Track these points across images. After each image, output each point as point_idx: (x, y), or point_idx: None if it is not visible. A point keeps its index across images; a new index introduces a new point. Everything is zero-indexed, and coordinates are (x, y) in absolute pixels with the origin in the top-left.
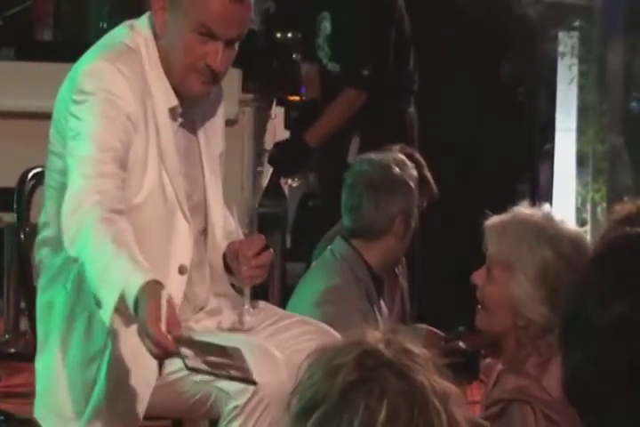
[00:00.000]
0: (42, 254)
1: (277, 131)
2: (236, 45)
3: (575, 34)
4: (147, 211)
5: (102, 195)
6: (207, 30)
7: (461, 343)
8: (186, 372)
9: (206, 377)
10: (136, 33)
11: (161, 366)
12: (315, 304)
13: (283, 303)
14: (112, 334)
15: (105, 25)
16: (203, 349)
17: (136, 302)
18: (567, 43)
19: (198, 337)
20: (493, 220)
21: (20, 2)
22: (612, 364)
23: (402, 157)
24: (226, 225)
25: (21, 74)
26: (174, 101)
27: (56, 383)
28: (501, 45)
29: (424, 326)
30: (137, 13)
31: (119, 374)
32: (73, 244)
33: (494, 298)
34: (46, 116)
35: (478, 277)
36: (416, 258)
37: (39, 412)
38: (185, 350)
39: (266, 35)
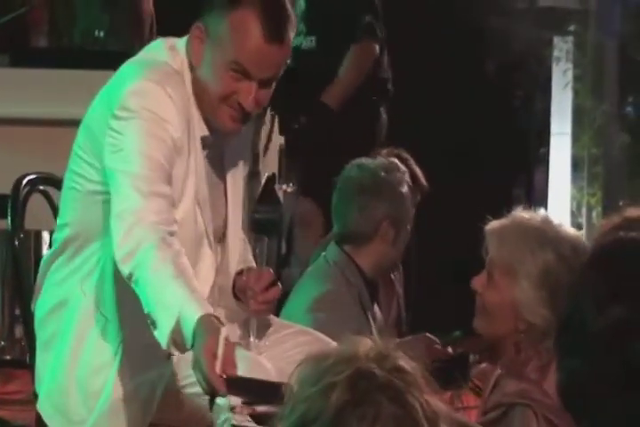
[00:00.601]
0: (55, 253)
1: (272, 136)
2: (272, 85)
3: (570, 38)
4: (179, 237)
5: (159, 215)
6: (241, 69)
7: (449, 349)
8: (183, 383)
9: (198, 389)
10: (176, 55)
11: (212, 402)
12: (307, 311)
13: (277, 309)
14: (123, 345)
15: (101, 33)
16: (253, 389)
17: (193, 334)
18: (562, 47)
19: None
20: (493, 224)
21: (14, 8)
22: (607, 366)
23: (394, 162)
24: (242, 254)
25: (16, 81)
26: (205, 131)
27: (65, 386)
28: (497, 50)
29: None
30: (134, 20)
31: (125, 386)
32: (129, 260)
33: (495, 302)
34: (40, 123)
35: (478, 282)
36: (412, 262)
37: (46, 411)
38: (234, 399)
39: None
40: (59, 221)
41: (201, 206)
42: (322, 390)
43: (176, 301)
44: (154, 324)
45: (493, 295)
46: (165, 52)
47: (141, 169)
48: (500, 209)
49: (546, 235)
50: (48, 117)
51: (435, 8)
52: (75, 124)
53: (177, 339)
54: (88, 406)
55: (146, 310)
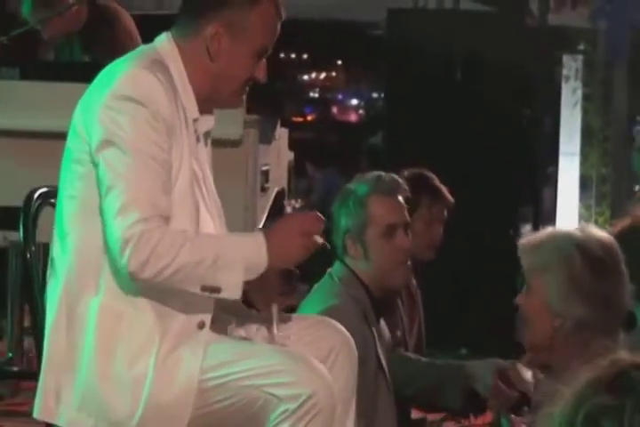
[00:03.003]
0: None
1: (282, 152)
2: None
3: (579, 57)
4: (179, 212)
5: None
6: (266, 50)
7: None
8: (228, 378)
9: (256, 382)
10: (158, 48)
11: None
12: None
13: None
14: (159, 328)
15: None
16: None
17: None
18: (571, 66)
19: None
20: (527, 237)
21: (24, 23)
22: None
23: (392, 176)
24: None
25: (26, 94)
26: (197, 113)
27: (100, 388)
28: (506, 69)
29: (492, 361)
30: (140, 34)
31: (167, 368)
32: (162, 260)
33: (530, 307)
34: (51, 136)
35: (519, 296)
36: (418, 280)
37: (84, 423)
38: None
39: (269, 56)
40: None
41: (197, 179)
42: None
43: (236, 256)
44: (216, 289)
45: (528, 301)
46: (146, 47)
47: (136, 170)
48: (509, 227)
49: (572, 234)
50: (59, 130)
51: (445, 27)
52: None
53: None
54: (131, 398)
55: (198, 286)
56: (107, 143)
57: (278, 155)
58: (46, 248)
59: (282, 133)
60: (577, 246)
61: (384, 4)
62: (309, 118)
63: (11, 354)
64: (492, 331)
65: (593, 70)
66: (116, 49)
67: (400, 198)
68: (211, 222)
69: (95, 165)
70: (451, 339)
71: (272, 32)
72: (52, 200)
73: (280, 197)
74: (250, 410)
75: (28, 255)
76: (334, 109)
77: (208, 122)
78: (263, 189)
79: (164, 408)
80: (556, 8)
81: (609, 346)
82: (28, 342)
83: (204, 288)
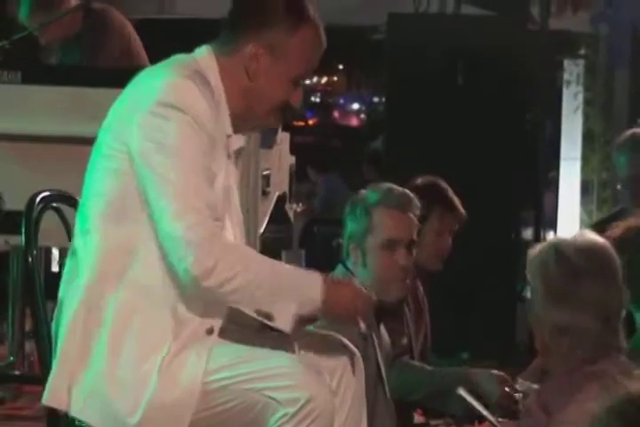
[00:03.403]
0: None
1: (283, 156)
2: None
3: (581, 62)
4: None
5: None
6: (305, 76)
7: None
8: (229, 381)
9: (256, 385)
10: (198, 60)
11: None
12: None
13: None
14: (172, 329)
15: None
16: None
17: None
18: (573, 71)
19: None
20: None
21: (23, 27)
22: None
23: (403, 191)
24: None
25: (28, 98)
26: (230, 130)
27: (107, 382)
28: (507, 73)
29: (494, 371)
30: (142, 38)
31: (172, 369)
32: (226, 272)
33: (532, 322)
34: (53, 140)
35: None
36: (424, 286)
37: (91, 414)
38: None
39: None
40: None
41: (231, 194)
42: None
43: (293, 289)
44: (269, 317)
45: (530, 316)
46: (186, 57)
47: (186, 178)
48: (510, 232)
49: (555, 240)
50: (60, 135)
51: (446, 32)
52: (86, 141)
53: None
54: (134, 396)
55: (253, 309)
56: (152, 149)
57: (279, 159)
58: (48, 252)
59: (283, 138)
60: (554, 251)
61: (385, 8)
62: (311, 122)
63: (12, 358)
64: (492, 335)
65: (594, 75)
66: (113, 52)
67: (410, 215)
68: (232, 236)
69: (135, 168)
70: (451, 343)
71: (311, 59)
72: (54, 204)
73: (281, 201)
74: (250, 413)
75: (30, 259)
76: (336, 114)
77: (239, 140)
78: (264, 194)
79: (167, 409)
80: (557, 12)
81: (596, 353)
82: (29, 345)
83: (259, 313)
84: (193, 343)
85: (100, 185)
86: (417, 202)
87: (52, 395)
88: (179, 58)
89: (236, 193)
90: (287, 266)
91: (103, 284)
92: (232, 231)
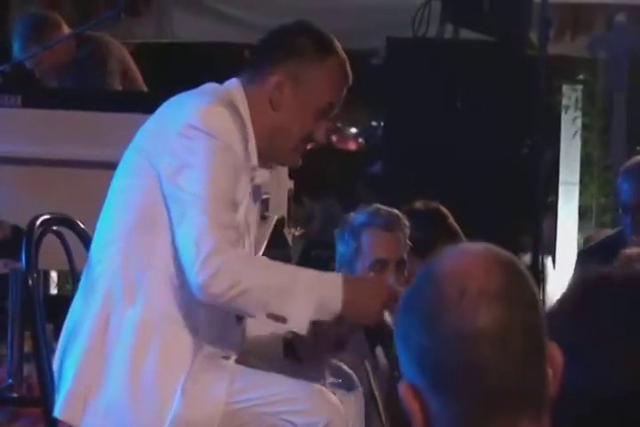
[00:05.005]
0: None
1: (281, 180)
2: None
3: (579, 87)
4: None
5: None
6: (331, 109)
7: None
8: (248, 404)
9: (274, 409)
10: (229, 90)
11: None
12: None
13: None
14: (192, 348)
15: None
16: None
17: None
18: (571, 96)
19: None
20: None
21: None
22: None
23: (390, 211)
24: None
25: (27, 121)
26: (256, 162)
27: (127, 400)
28: (505, 98)
29: None
30: (136, 60)
31: (196, 389)
32: (230, 277)
33: None
34: (52, 164)
35: None
36: None
37: None
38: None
39: None
40: (104, 237)
41: (249, 229)
42: None
43: (304, 286)
44: (282, 319)
45: None
46: (218, 86)
47: (211, 196)
48: None
49: None
50: (59, 158)
51: (444, 56)
52: (85, 165)
53: (318, 317)
54: (158, 415)
55: (264, 312)
56: (181, 169)
57: (278, 183)
58: (47, 275)
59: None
60: None
61: (383, 32)
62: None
63: (10, 380)
64: None
65: (592, 100)
66: (114, 77)
67: (398, 234)
68: None
69: (162, 187)
70: None
71: (336, 93)
72: (55, 227)
73: (280, 225)
74: None
75: (30, 282)
76: (333, 138)
77: (264, 175)
78: (263, 218)
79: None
80: (555, 38)
81: None
82: (27, 368)
83: (269, 315)
84: (213, 365)
85: (121, 200)
86: (405, 221)
87: (66, 410)
88: (212, 86)
89: (255, 230)
90: (308, 270)
91: (121, 300)
92: None
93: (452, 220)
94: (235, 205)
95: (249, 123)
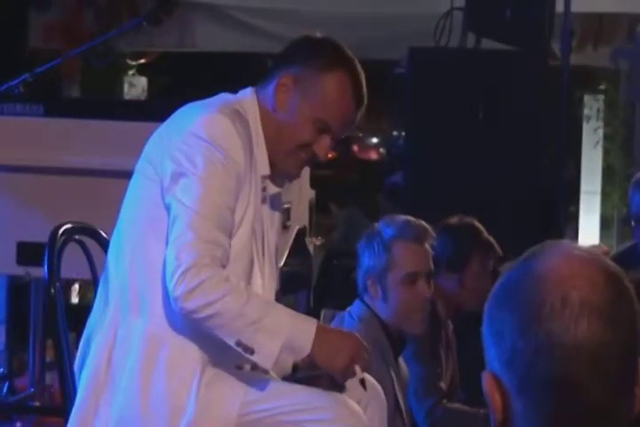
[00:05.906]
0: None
1: (303, 190)
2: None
3: (601, 97)
4: (235, 265)
5: (223, 261)
6: (326, 126)
7: None
8: (268, 413)
9: (296, 417)
10: (241, 100)
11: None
12: None
13: None
14: (201, 359)
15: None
16: None
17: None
18: (593, 106)
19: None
20: None
21: (48, 59)
22: None
23: (420, 223)
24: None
25: (50, 130)
26: (267, 170)
27: (138, 412)
28: (528, 108)
29: None
30: (159, 69)
31: (208, 400)
32: (207, 296)
33: None
34: (75, 172)
35: None
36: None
37: None
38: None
39: None
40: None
41: (256, 237)
42: None
43: (281, 326)
44: (249, 350)
45: None
46: (229, 97)
47: (203, 212)
48: None
49: None
50: (82, 167)
51: (466, 66)
52: (108, 174)
53: (285, 356)
54: (170, 424)
55: (234, 339)
56: (178, 177)
57: (299, 193)
58: (70, 284)
59: (303, 172)
60: None
61: (405, 42)
62: (330, 156)
63: (33, 389)
64: None
65: (614, 110)
66: None
67: (426, 246)
68: (260, 282)
69: (165, 201)
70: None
71: (342, 107)
72: (77, 236)
73: (301, 234)
74: None
75: (52, 291)
76: (355, 147)
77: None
78: (285, 227)
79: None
80: (577, 48)
81: None
82: (49, 376)
83: (238, 343)
84: (226, 375)
85: (131, 211)
86: (432, 232)
87: (78, 421)
88: (223, 96)
89: (273, 241)
90: (285, 308)
91: (129, 311)
92: (261, 282)
93: (486, 234)
94: (228, 221)
95: (259, 130)
